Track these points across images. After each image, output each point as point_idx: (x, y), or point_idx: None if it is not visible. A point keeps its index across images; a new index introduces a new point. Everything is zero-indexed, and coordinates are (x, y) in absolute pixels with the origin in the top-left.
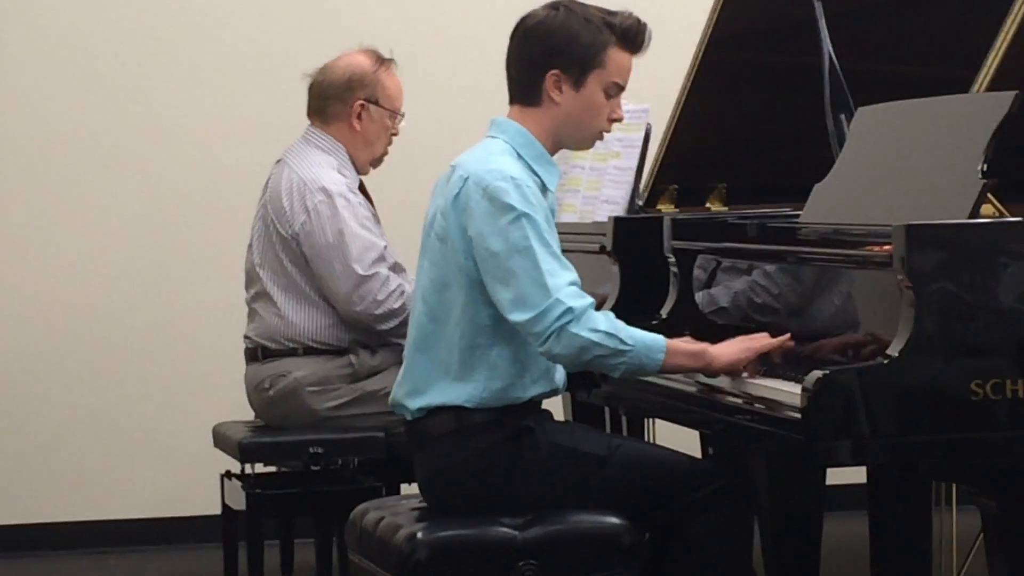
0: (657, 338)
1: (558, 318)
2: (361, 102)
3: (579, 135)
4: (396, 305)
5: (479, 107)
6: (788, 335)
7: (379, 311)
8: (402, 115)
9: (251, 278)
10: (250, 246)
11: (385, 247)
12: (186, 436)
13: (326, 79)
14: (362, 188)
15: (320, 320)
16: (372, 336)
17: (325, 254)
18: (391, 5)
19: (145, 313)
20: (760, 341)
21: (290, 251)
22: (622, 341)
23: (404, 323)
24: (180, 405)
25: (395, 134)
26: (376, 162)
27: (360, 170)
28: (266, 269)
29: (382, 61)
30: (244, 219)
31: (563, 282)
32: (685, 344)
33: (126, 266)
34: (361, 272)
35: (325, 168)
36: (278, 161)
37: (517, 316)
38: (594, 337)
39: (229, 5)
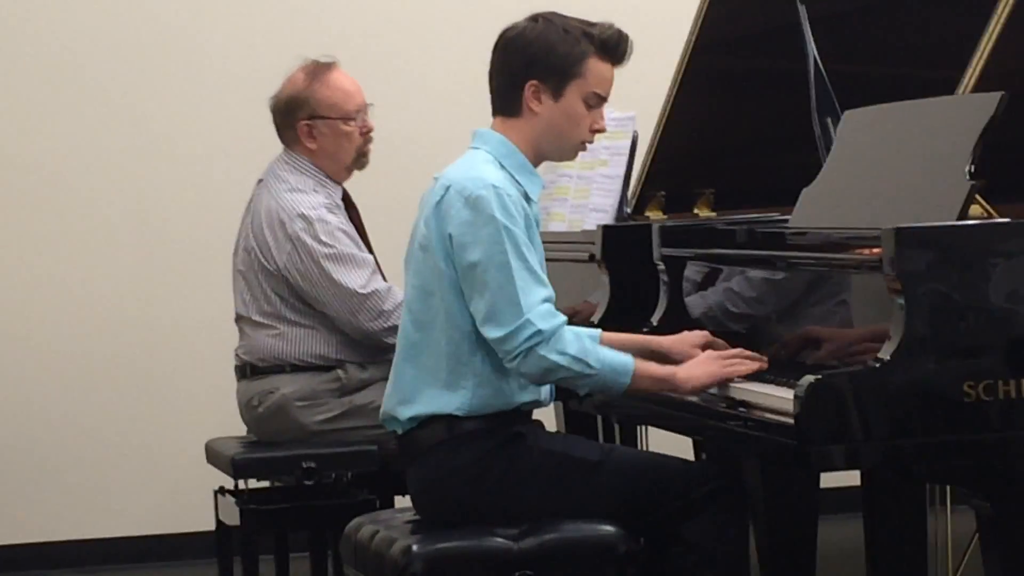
0: (626, 362)
1: (527, 339)
2: (304, 123)
3: (560, 146)
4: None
5: (466, 119)
6: (763, 362)
7: (388, 324)
8: (364, 111)
9: (237, 298)
10: (235, 270)
11: (375, 266)
12: (179, 452)
13: (274, 108)
14: (346, 197)
15: (305, 343)
16: (363, 354)
17: (319, 282)
18: (378, 15)
19: (136, 329)
20: (730, 367)
21: (273, 281)
22: (588, 365)
23: None
24: (172, 421)
25: (368, 130)
26: (354, 165)
27: (337, 180)
28: (249, 296)
29: (314, 73)
30: (235, 235)
31: (536, 300)
32: (653, 367)
33: (117, 282)
34: (361, 291)
35: (301, 191)
36: (259, 181)
37: (489, 332)
38: (561, 360)
39: (216, 15)
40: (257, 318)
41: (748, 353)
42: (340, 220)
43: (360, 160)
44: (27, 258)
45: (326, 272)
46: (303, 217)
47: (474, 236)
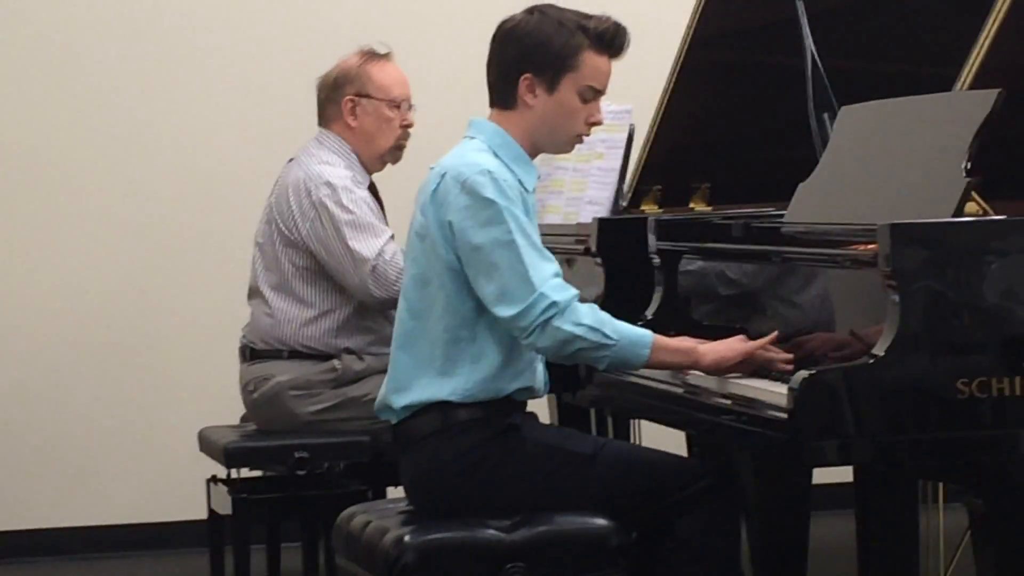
0: (644, 333)
1: (543, 312)
2: (350, 98)
3: (554, 138)
4: None
5: (465, 112)
6: (774, 334)
7: (392, 293)
8: (408, 105)
9: (251, 272)
10: (255, 243)
11: (392, 237)
12: (172, 441)
13: (321, 84)
14: (372, 188)
15: (311, 326)
16: (361, 345)
17: (336, 248)
18: (382, 7)
19: (130, 317)
20: (749, 343)
21: (290, 250)
22: (606, 335)
23: None
24: (166, 410)
25: (408, 124)
26: (387, 156)
27: (369, 168)
28: (262, 265)
29: (371, 55)
30: (230, 223)
31: (547, 275)
32: (673, 341)
33: (111, 271)
34: (372, 260)
35: (332, 166)
36: (290, 160)
37: (502, 311)
38: (578, 331)
39: (218, 11)
40: (265, 290)
41: (776, 350)
42: (366, 193)
43: (395, 153)
44: (21, 246)
45: (343, 237)
46: (329, 184)
47: (475, 219)
